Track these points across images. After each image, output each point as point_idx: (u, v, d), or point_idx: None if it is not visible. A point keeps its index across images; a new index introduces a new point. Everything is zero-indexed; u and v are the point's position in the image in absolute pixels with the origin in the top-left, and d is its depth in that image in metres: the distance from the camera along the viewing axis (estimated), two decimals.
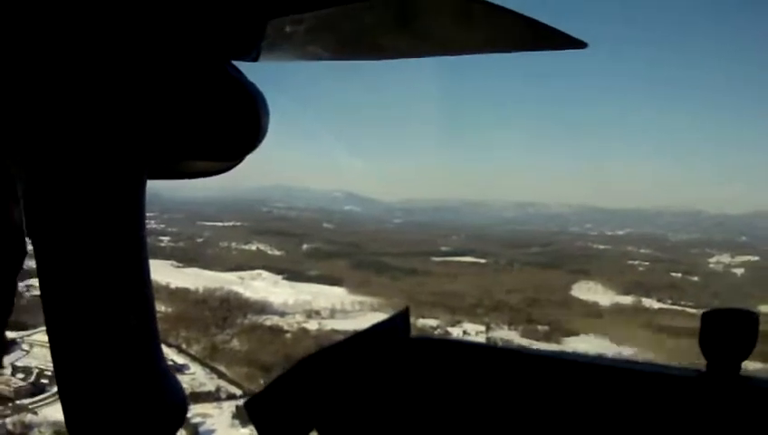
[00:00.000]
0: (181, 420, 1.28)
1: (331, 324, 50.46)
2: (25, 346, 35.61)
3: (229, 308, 51.57)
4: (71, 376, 1.19)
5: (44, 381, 34.40)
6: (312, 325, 50.94)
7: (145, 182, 1.22)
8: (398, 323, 1.71)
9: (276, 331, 49.35)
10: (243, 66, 1.24)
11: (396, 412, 1.64)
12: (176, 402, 1.28)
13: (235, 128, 1.20)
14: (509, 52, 1.44)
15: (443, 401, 1.64)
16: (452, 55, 1.58)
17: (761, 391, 1.40)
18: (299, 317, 52.56)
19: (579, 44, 1.24)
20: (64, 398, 1.20)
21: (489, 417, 1.60)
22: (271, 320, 51.42)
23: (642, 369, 1.53)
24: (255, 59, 1.27)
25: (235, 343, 47.01)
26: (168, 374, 1.28)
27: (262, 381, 36.03)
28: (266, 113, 1.22)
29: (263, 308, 52.95)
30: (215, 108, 1.18)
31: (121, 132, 1.15)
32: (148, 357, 1.23)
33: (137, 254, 1.20)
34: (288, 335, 48.36)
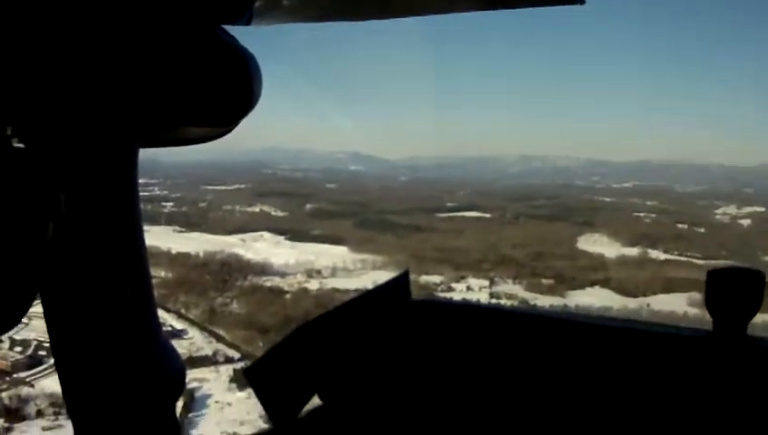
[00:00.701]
0: (179, 391, 1.31)
1: (332, 283, 50.30)
2: (24, 319, 34.70)
3: (230, 271, 51.16)
4: (67, 350, 1.21)
5: (42, 353, 33.71)
6: (313, 285, 50.69)
7: (137, 151, 1.22)
8: (399, 285, 1.68)
9: (276, 292, 49.14)
10: (235, 30, 1.24)
11: (397, 376, 1.61)
12: (173, 374, 1.29)
13: (228, 93, 1.20)
14: (506, 8, 1.45)
15: (445, 364, 1.59)
16: (446, 13, 1.60)
17: None
18: (300, 277, 52.22)
19: (576, 0, 1.29)
20: (62, 372, 1.22)
21: (492, 379, 1.55)
22: (271, 281, 51.22)
23: (648, 329, 1.49)
24: (248, 23, 1.28)
25: (235, 306, 46.91)
26: (165, 345, 1.30)
27: (260, 344, 36.27)
28: (259, 78, 1.22)
29: (263, 269, 52.58)
30: (206, 73, 1.18)
31: (112, 100, 1.14)
32: (145, 329, 1.24)
33: (130, 224, 1.21)
34: (288, 296, 48.12)
